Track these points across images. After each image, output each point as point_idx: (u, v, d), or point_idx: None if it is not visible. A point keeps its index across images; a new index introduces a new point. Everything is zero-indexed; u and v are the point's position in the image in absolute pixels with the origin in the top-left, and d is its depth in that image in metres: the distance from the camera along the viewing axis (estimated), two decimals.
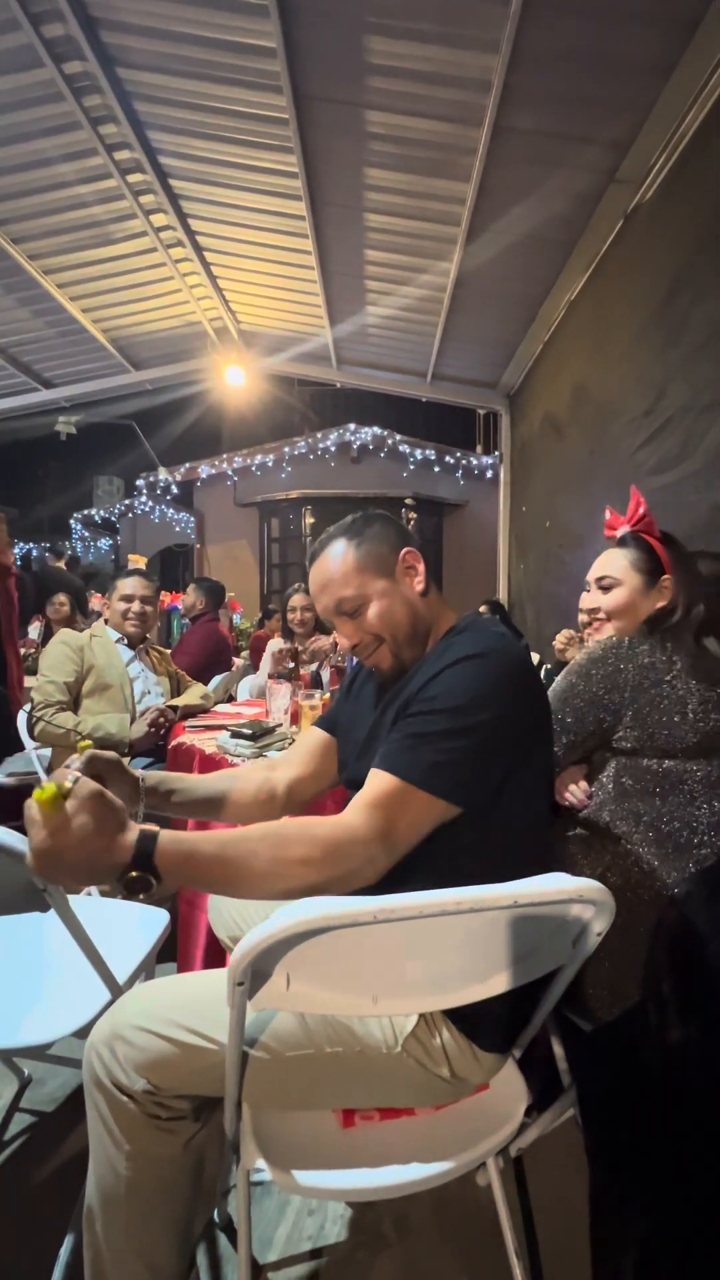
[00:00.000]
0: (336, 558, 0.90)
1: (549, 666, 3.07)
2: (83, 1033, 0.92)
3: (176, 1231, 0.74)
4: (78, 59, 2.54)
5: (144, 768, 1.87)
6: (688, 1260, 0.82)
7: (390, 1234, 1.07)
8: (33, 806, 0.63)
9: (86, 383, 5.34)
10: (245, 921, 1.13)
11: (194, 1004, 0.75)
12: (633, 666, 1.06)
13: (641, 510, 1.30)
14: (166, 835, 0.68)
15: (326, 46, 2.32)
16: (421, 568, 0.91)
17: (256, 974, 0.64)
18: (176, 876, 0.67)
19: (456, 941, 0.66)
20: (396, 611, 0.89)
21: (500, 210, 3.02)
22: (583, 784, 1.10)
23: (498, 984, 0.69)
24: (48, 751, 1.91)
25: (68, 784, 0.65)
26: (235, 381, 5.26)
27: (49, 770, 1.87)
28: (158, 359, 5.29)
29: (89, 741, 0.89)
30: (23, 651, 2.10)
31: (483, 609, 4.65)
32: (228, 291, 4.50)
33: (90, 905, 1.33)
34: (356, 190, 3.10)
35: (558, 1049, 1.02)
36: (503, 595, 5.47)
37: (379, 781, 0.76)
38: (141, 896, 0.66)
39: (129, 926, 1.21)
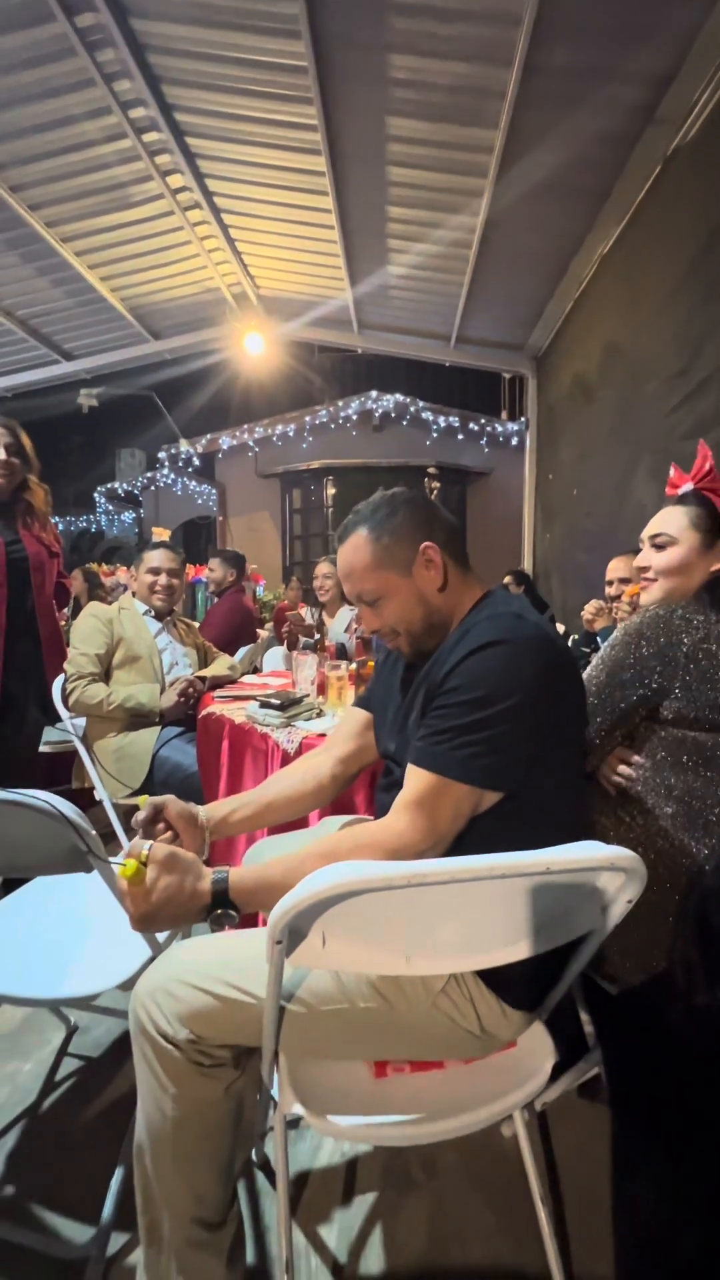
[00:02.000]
0: (358, 549, 0.92)
1: (576, 637, 3.04)
2: (125, 985, 0.97)
3: (219, 1165, 0.79)
4: (89, 10, 2.45)
5: (174, 736, 1.93)
6: (707, 1213, 0.85)
7: (419, 1176, 1.12)
8: (121, 882, 0.73)
9: (107, 354, 5.30)
10: None
11: (234, 960, 0.79)
12: (687, 640, 1.01)
13: (709, 466, 1.23)
14: (235, 873, 0.76)
15: None
16: (440, 561, 0.91)
17: (293, 933, 0.66)
18: (249, 905, 0.76)
19: (489, 905, 0.67)
20: (411, 609, 0.91)
21: (529, 158, 2.87)
22: (636, 759, 1.07)
23: (528, 947, 0.70)
24: (82, 720, 1.96)
25: (144, 854, 0.74)
26: (255, 349, 5.17)
27: (84, 740, 1.92)
28: (177, 328, 5.21)
29: (146, 796, 0.96)
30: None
31: (507, 579, 4.60)
32: (246, 255, 4.40)
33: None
34: (378, 141, 2.97)
35: (583, 1011, 1.04)
36: (528, 565, 5.38)
37: (417, 780, 0.79)
38: (227, 927, 0.76)
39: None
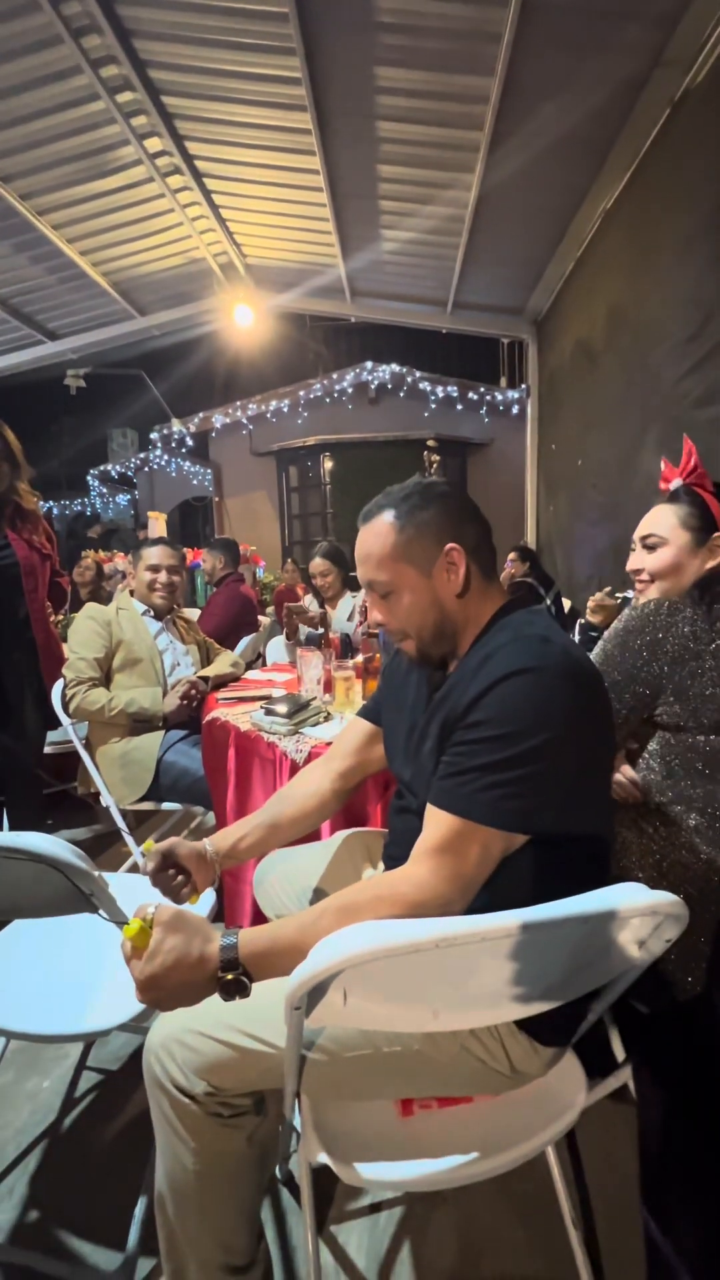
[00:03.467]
0: (379, 535, 0.85)
1: (583, 620, 2.97)
2: (139, 1019, 0.94)
3: (245, 1212, 0.77)
4: None
5: (179, 740, 1.89)
6: None
7: (446, 1190, 1.11)
8: (126, 945, 0.68)
9: (92, 332, 5.12)
10: (291, 899, 1.13)
11: (250, 1008, 0.74)
12: (672, 636, 1.00)
13: (694, 462, 1.19)
14: (245, 933, 0.70)
15: None
16: (463, 568, 0.84)
17: (314, 991, 0.62)
18: (263, 969, 0.69)
19: (523, 957, 0.63)
20: (424, 613, 0.84)
21: (528, 107, 2.69)
22: (626, 770, 1.05)
23: (562, 994, 0.66)
24: (84, 726, 1.93)
25: (149, 914, 0.69)
26: (244, 321, 4.98)
27: (87, 745, 1.89)
28: (163, 302, 5.01)
29: (151, 842, 0.93)
30: (57, 621, 2.09)
31: (511, 555, 4.51)
32: (231, 222, 4.19)
33: (134, 887, 1.35)
34: (366, 94, 2.78)
35: (613, 1029, 1.02)
36: (531, 539, 5.27)
37: (439, 823, 0.73)
38: (239, 998, 0.68)
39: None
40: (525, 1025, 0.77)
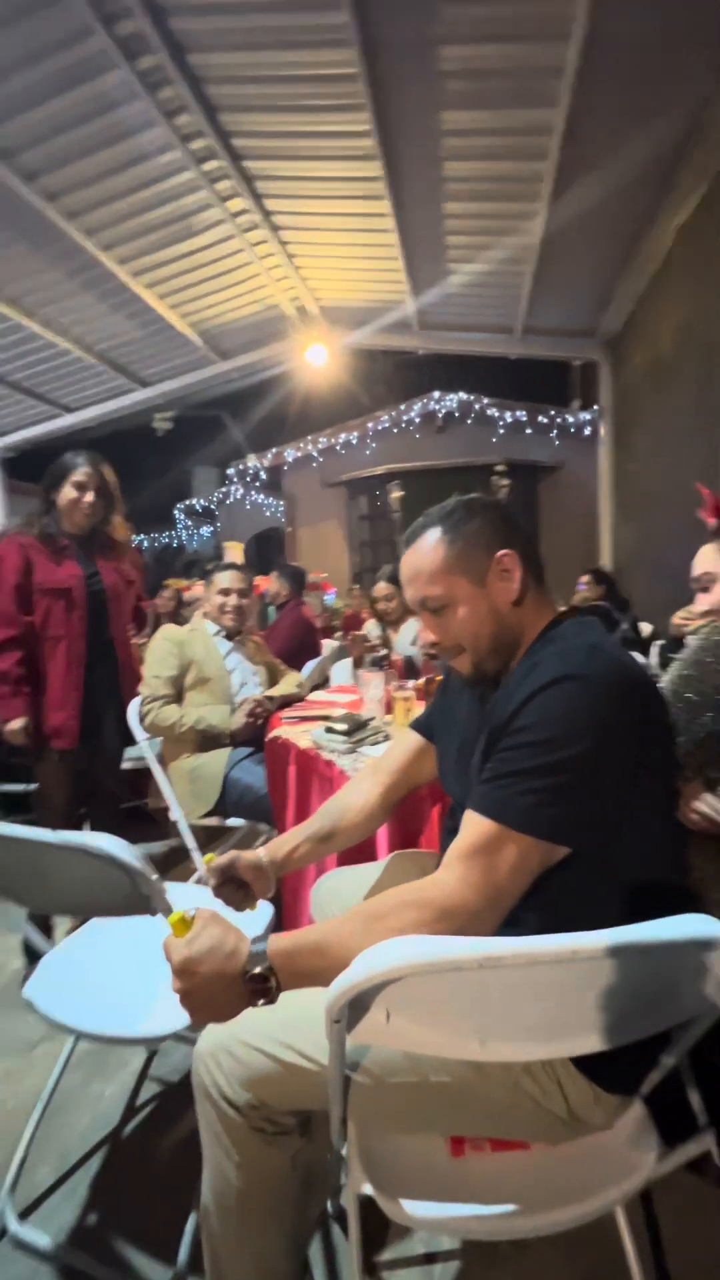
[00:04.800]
0: (428, 551, 0.83)
1: (662, 642, 2.81)
2: (191, 1028, 0.95)
3: (287, 1237, 0.75)
4: (149, 53, 2.54)
5: (245, 757, 1.94)
6: None
7: (507, 1249, 1.04)
8: (168, 936, 0.70)
9: (179, 378, 5.52)
10: None
11: (297, 1022, 0.74)
12: None
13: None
14: (275, 935, 0.70)
15: None
16: (519, 573, 0.82)
17: (355, 1006, 0.61)
18: (289, 968, 0.68)
19: (576, 987, 0.59)
20: (481, 623, 0.82)
21: (594, 133, 2.70)
22: (709, 798, 0.97)
23: (622, 1034, 0.61)
24: (158, 743, 2.02)
25: (190, 913, 0.72)
26: (317, 361, 5.21)
27: (160, 761, 1.97)
28: (242, 346, 5.35)
29: (212, 855, 0.97)
30: (137, 643, 2.22)
31: (585, 579, 4.36)
32: (305, 269, 4.43)
33: (189, 898, 1.38)
34: (432, 139, 2.89)
35: (692, 1088, 0.92)
36: (607, 562, 5.08)
37: (473, 828, 0.70)
38: (262, 1002, 0.68)
39: (234, 919, 1.25)
40: (585, 1067, 0.71)
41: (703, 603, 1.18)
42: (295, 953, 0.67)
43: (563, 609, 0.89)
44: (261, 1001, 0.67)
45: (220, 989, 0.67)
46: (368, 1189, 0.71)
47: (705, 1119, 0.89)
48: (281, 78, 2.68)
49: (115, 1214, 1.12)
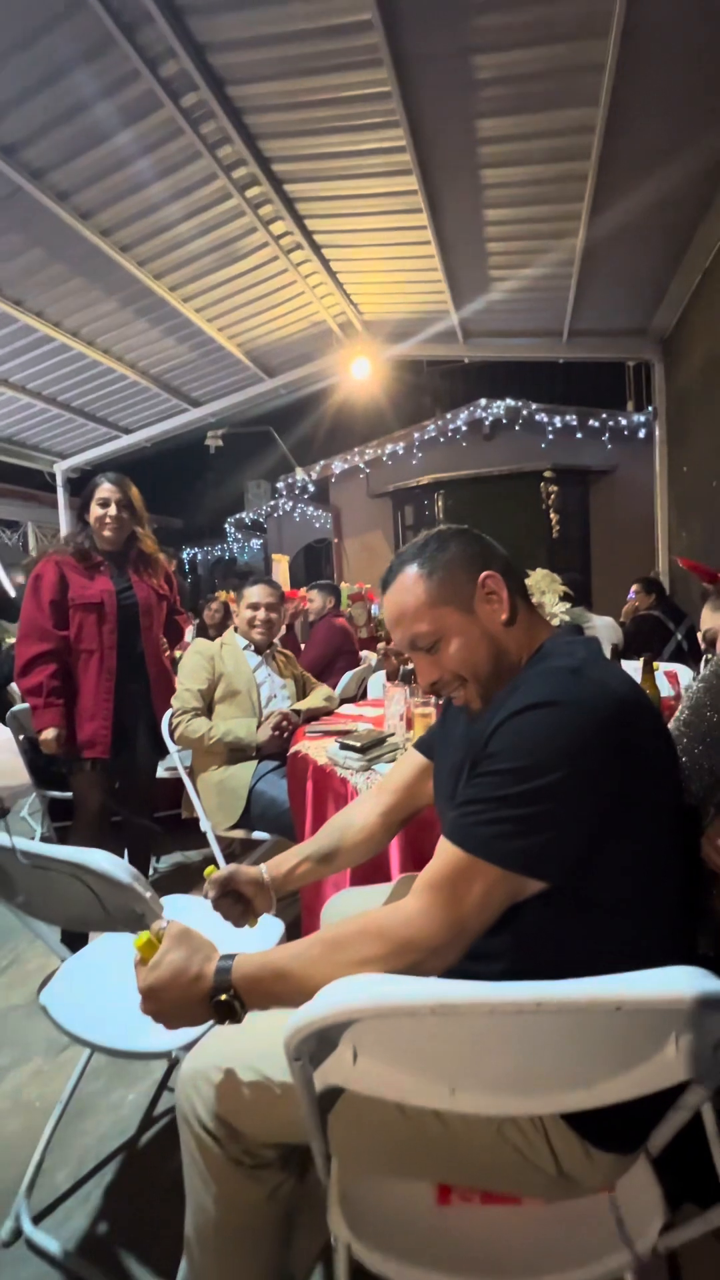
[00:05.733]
0: (409, 589, 0.81)
1: (709, 656, 2.64)
2: (188, 1047, 0.95)
3: (265, 1273, 0.73)
4: (191, 90, 2.65)
5: (270, 771, 1.95)
6: None
7: None
8: (135, 955, 0.70)
9: (229, 396, 5.71)
10: None
11: (274, 1052, 0.71)
12: None
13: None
14: (241, 957, 0.69)
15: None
16: (505, 593, 0.79)
17: (323, 1041, 0.59)
18: (254, 993, 0.67)
19: (551, 1038, 0.55)
20: (476, 649, 0.79)
21: (637, 124, 2.60)
22: None
23: (608, 1093, 0.56)
24: (189, 753, 2.06)
25: (162, 929, 0.71)
26: (361, 374, 5.26)
27: (190, 772, 2.01)
28: (289, 363, 5.47)
29: (214, 867, 0.98)
30: (175, 656, 2.29)
31: (635, 587, 4.17)
32: (348, 285, 4.49)
33: (207, 914, 1.39)
34: (469, 148, 2.88)
35: (715, 1143, 0.84)
36: (663, 567, 4.84)
37: (443, 855, 0.68)
38: (229, 1022, 0.67)
39: (245, 935, 1.25)
40: (572, 1121, 0.66)
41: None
42: (259, 978, 0.67)
43: (588, 622, 0.85)
44: (227, 1021, 0.67)
45: (185, 1011, 0.67)
46: (348, 1238, 0.68)
47: None
48: (317, 102, 2.73)
49: (125, 1224, 1.14)
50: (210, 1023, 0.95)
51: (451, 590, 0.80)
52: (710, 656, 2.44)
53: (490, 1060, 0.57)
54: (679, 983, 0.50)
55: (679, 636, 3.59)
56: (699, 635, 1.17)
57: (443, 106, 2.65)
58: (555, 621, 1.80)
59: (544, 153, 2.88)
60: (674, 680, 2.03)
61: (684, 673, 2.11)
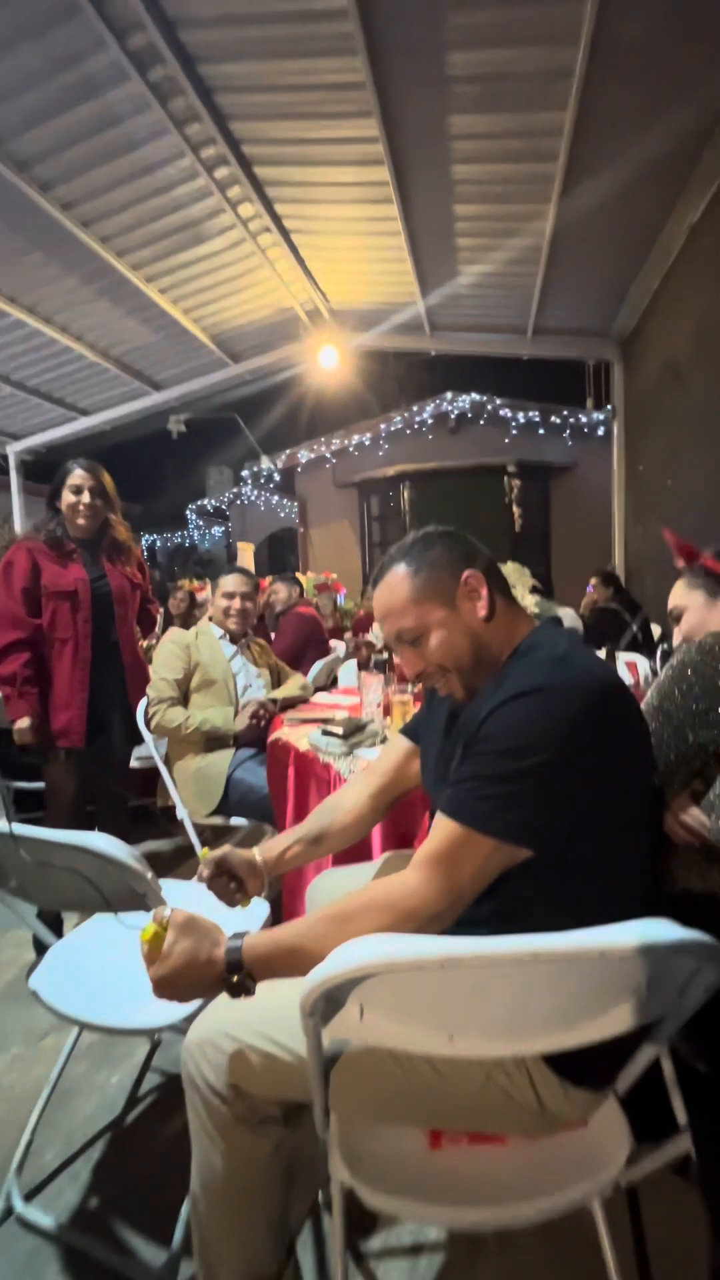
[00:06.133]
0: (395, 586, 0.87)
1: (665, 647, 2.79)
2: (188, 1020, 0.99)
3: (271, 1223, 0.78)
4: (159, 64, 2.58)
5: (248, 758, 1.97)
6: None
7: (491, 1241, 1.06)
8: (143, 946, 0.73)
9: (192, 381, 5.59)
10: None
11: (278, 1016, 0.77)
12: None
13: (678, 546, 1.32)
14: (250, 938, 0.73)
15: None
16: (485, 591, 0.85)
17: (330, 1001, 0.64)
18: (266, 971, 0.72)
19: (541, 987, 0.61)
20: (457, 642, 0.85)
21: (603, 134, 2.69)
22: (694, 811, 0.98)
23: (588, 1032, 0.63)
24: (164, 743, 2.06)
25: (165, 919, 0.74)
26: (329, 363, 5.24)
27: (166, 761, 2.02)
28: (255, 349, 5.40)
29: (208, 849, 1.01)
30: (145, 645, 2.27)
31: (593, 580, 4.33)
32: (316, 272, 4.46)
33: (194, 895, 1.42)
34: (441, 143, 2.91)
35: (672, 1088, 0.94)
36: (619, 563, 5.05)
37: (441, 831, 0.74)
38: (244, 997, 0.72)
39: (231, 916, 1.28)
40: (554, 1062, 0.74)
41: (677, 636, 1.21)
42: (270, 956, 0.72)
43: (557, 614, 0.92)
44: (241, 996, 0.71)
45: (200, 992, 0.72)
46: (348, 1180, 0.74)
47: (684, 1120, 0.91)
48: (290, 86, 2.71)
49: (116, 1197, 1.17)
50: (201, 1000, 1.00)
51: (435, 587, 0.85)
52: (665, 647, 2.57)
53: (485, 1009, 0.63)
54: (652, 932, 0.57)
55: (634, 628, 3.76)
56: (668, 611, 1.23)
57: (417, 100, 2.67)
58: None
59: (514, 153, 2.94)
60: (633, 669, 2.16)
61: (642, 662, 2.24)
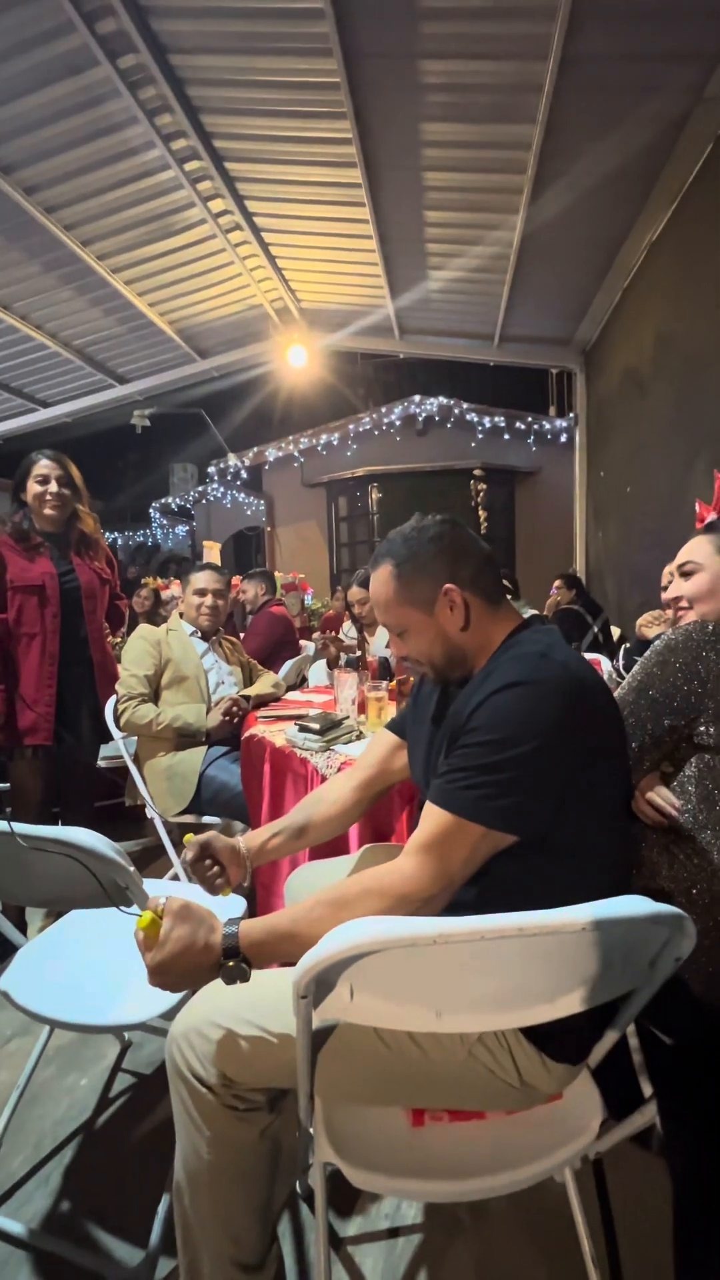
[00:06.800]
0: (383, 584, 0.93)
1: (628, 645, 2.91)
2: (167, 1015, 0.98)
3: (256, 1208, 0.79)
4: (131, 52, 2.54)
5: (221, 756, 1.96)
6: None
7: (466, 1220, 1.09)
8: (139, 934, 0.73)
9: (158, 375, 5.50)
10: None
11: (264, 1002, 0.78)
12: (714, 656, 0.99)
13: None
14: (246, 923, 0.75)
15: None
16: (462, 602, 0.89)
17: (321, 983, 0.65)
18: (261, 956, 0.73)
19: (523, 962, 0.64)
20: (433, 646, 0.91)
21: (570, 148, 2.78)
22: (662, 791, 1.03)
23: (567, 1005, 0.67)
24: (134, 741, 2.03)
25: (160, 906, 0.75)
26: (298, 362, 5.23)
27: (136, 759, 1.99)
28: (223, 345, 5.35)
29: (192, 834, 1.00)
30: (114, 641, 2.23)
31: (557, 583, 4.46)
32: (287, 270, 4.46)
33: (167, 893, 1.41)
34: (413, 149, 2.95)
35: (638, 1061, 0.99)
36: (580, 567, 5.20)
37: (432, 820, 0.77)
38: (240, 982, 0.73)
39: (212, 905, 1.27)
40: (534, 1037, 0.77)
41: (676, 589, 1.18)
42: (265, 942, 0.73)
43: (529, 615, 0.95)
44: (237, 981, 0.73)
45: (195, 978, 0.73)
46: (333, 1160, 0.75)
47: (650, 1093, 0.96)
48: (264, 83, 2.71)
49: (88, 1200, 1.15)
50: (180, 995, 1.00)
51: (416, 594, 0.90)
52: (626, 647, 2.65)
53: (471, 985, 0.65)
54: (630, 907, 0.61)
55: (595, 629, 3.89)
56: (678, 567, 1.19)
57: (390, 104, 2.70)
58: None
59: (484, 163, 3.00)
60: (597, 666, 2.23)
61: (604, 661, 2.32)
